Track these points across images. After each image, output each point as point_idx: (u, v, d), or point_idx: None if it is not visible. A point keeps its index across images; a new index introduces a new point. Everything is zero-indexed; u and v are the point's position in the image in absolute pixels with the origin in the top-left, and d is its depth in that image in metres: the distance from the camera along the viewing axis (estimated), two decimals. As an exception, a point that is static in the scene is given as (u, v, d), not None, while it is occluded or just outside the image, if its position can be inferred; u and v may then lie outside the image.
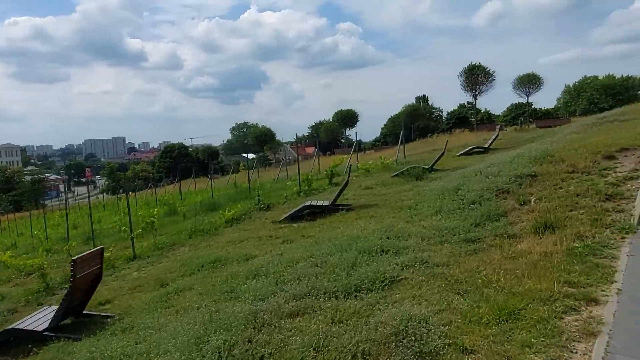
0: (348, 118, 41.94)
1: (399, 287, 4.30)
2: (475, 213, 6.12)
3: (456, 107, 75.69)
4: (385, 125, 65.33)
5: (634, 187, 5.69)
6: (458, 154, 18.59)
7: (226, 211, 12.11)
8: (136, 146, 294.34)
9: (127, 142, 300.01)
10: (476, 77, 27.65)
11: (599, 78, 41.22)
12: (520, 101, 67.21)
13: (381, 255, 5.32)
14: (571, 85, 46.13)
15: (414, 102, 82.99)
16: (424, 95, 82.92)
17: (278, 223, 10.17)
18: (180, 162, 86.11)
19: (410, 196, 9.88)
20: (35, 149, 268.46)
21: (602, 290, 3.57)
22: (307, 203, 10.32)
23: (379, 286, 4.34)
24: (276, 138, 59.51)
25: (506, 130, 27.23)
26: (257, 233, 9.48)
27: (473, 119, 76.76)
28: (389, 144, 68.68)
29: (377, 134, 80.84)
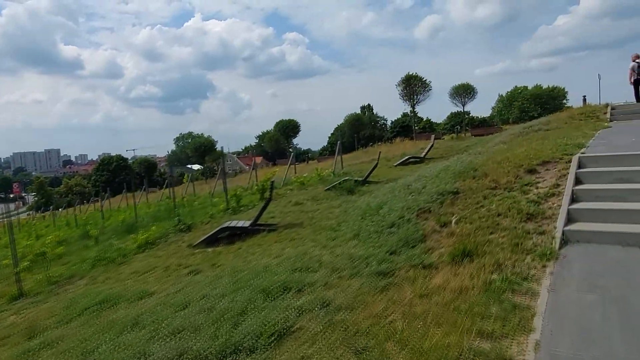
0: (290, 128, 41.04)
1: (289, 344, 3.50)
2: (393, 238, 5.49)
3: (400, 116, 77.69)
4: (332, 134, 65.56)
5: (555, 204, 5.30)
6: (395, 164, 18.35)
7: (139, 234, 10.87)
8: (72, 159, 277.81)
9: (62, 154, 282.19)
10: (413, 87, 27.99)
11: (529, 88, 43.54)
12: (459, 110, 70.11)
13: (282, 295, 4.51)
14: (504, 95, 48.39)
15: (359, 111, 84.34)
16: (369, 105, 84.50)
17: (193, 248, 9.13)
18: (118, 175, 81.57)
19: (336, 214, 9.23)
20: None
21: (519, 344, 2.95)
22: (226, 224, 9.37)
23: (265, 343, 3.52)
24: (217, 149, 57.45)
25: (443, 138, 27.68)
26: (167, 261, 8.41)
27: (416, 127, 79.08)
28: (335, 153, 69.00)
29: (325, 142, 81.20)
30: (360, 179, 13.83)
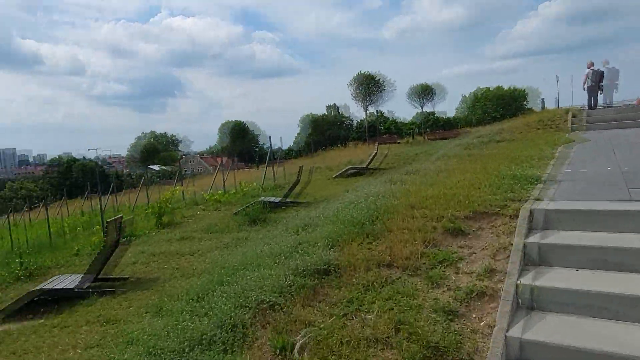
0: (236, 131, 37.50)
1: None
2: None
3: (366, 116, 75.54)
4: (298, 134, 62.95)
5: (484, 320, 2.74)
6: (334, 176, 15.78)
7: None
8: (30, 159, 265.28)
9: (18, 154, 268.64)
10: (366, 87, 25.41)
11: (490, 89, 42.02)
12: (426, 110, 68.63)
13: None
14: (467, 95, 46.82)
15: (325, 111, 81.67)
16: (334, 104, 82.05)
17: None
18: (70, 177, 76.13)
19: (204, 266, 6.56)
20: None
21: None
22: (39, 287, 6.45)
23: None
24: (173, 151, 53.37)
25: (399, 142, 25.37)
26: None
27: (382, 128, 77.27)
28: (301, 153, 66.29)
29: (291, 143, 78.30)
30: (276, 200, 11.16)
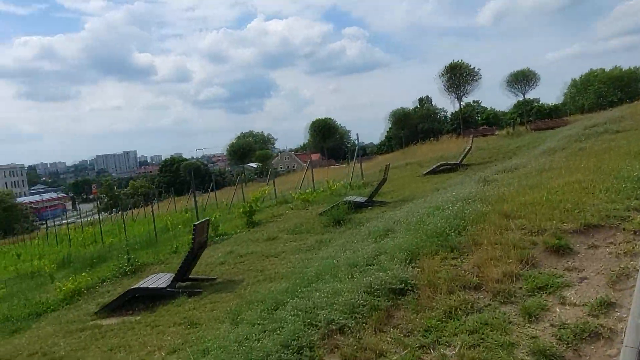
0: (325, 129, 37.24)
1: None
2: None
3: (460, 108, 71.62)
4: (390, 128, 61.93)
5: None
6: (424, 173, 14.99)
7: (71, 281, 8.79)
8: (148, 159, 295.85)
9: (138, 155, 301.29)
10: (459, 77, 23.68)
11: (606, 70, 37.00)
12: (528, 98, 63.01)
13: None
14: (577, 79, 41.83)
15: (417, 104, 79.05)
16: (427, 96, 79.07)
17: (95, 315, 6.82)
18: (179, 175, 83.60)
19: (286, 269, 6.54)
20: (48, 166, 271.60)
21: None
22: (136, 286, 6.91)
23: None
24: (269, 148, 55.40)
25: (496, 134, 23.37)
26: (43, 343, 6.11)
27: (479, 118, 72.71)
28: (392, 148, 65.03)
29: (382, 137, 77.14)
30: (362, 199, 10.84)
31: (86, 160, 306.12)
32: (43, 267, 12.50)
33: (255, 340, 3.48)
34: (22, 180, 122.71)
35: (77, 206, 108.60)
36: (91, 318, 6.78)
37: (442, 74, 24.19)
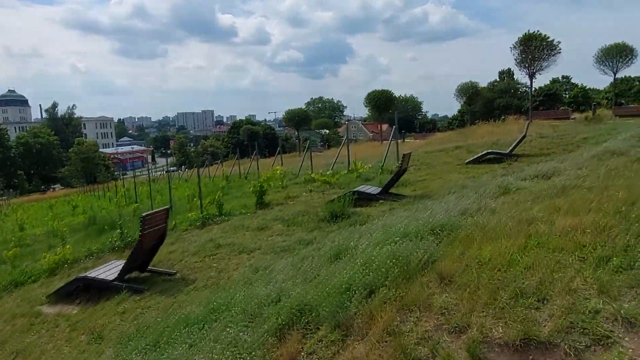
0: (382, 101, 34.44)
1: None
2: None
3: (548, 83, 64.55)
4: (463, 103, 57.85)
5: None
6: (466, 161, 13.10)
7: (59, 251, 8.62)
8: (224, 119, 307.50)
9: (215, 115, 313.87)
10: (533, 50, 20.26)
11: None
12: (629, 76, 54.74)
13: None
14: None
15: (497, 77, 72.80)
16: (509, 69, 72.37)
17: (47, 299, 6.44)
18: (245, 138, 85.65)
19: (238, 277, 5.57)
20: (136, 120, 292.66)
21: None
22: (85, 274, 6.37)
23: None
24: (315, 119, 53.66)
25: (573, 119, 20.14)
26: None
27: (565, 97, 65.31)
28: (452, 126, 60.57)
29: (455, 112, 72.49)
30: (374, 191, 9.51)
31: (169, 117, 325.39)
32: (61, 227, 12.67)
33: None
34: (111, 132, 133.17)
35: (154, 160, 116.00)
36: (41, 302, 6.44)
37: (515, 46, 21.00)
